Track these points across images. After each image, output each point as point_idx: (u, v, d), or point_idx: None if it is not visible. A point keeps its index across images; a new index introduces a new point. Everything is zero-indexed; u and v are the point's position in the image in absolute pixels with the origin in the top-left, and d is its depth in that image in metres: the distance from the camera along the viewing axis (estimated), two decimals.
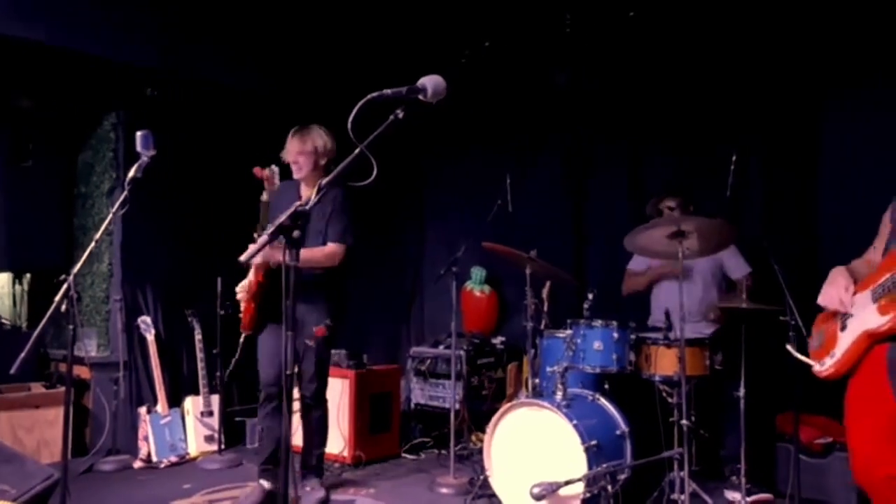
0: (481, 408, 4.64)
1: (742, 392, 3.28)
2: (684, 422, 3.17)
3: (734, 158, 3.51)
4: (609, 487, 3.04)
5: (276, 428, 3.39)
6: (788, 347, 2.77)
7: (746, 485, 3.28)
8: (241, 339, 4.06)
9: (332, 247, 3.39)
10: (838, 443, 3.41)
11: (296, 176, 3.47)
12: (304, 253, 2.98)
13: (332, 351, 4.44)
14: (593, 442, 3.05)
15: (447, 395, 4.60)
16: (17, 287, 5.10)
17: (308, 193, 3.38)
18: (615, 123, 4.79)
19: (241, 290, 3.35)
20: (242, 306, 3.42)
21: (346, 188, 3.40)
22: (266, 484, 3.43)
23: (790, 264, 3.35)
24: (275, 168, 3.22)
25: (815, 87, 4.01)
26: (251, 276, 3.28)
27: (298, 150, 3.41)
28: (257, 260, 3.13)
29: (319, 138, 3.43)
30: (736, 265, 3.87)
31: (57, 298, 2.56)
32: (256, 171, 3.19)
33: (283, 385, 1.78)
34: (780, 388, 3.32)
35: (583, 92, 4.84)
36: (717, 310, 3.76)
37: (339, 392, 4.26)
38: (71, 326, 2.63)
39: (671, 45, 4.39)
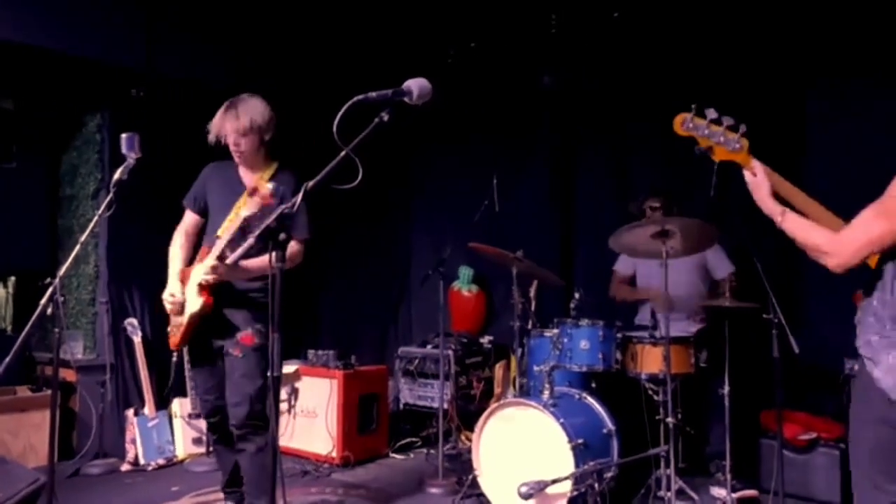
0: (470, 407, 4.67)
1: (727, 389, 3.32)
2: (670, 419, 3.20)
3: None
4: (596, 485, 3.07)
5: (226, 453, 3.07)
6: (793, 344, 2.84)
7: (732, 481, 3.32)
8: (174, 360, 4.11)
9: (292, 245, 2.84)
10: (822, 438, 3.47)
11: (239, 160, 2.97)
12: (255, 261, 2.76)
13: (320, 352, 4.49)
14: (580, 440, 3.07)
15: (435, 394, 4.62)
16: (2, 290, 5.06)
17: (252, 178, 2.93)
18: (601, 123, 4.83)
19: (173, 303, 2.87)
20: (174, 324, 2.93)
21: (298, 173, 2.95)
22: None
23: (773, 263, 3.39)
24: None
25: (798, 82, 4.07)
26: (198, 296, 2.78)
27: (235, 130, 2.87)
28: (207, 279, 2.73)
29: (258, 112, 2.91)
30: (720, 265, 3.92)
31: (43, 301, 2.54)
32: None
33: (272, 385, 1.78)
34: (764, 385, 3.36)
35: (569, 92, 4.87)
36: (700, 309, 3.80)
37: (327, 393, 4.27)
38: (57, 329, 2.62)
39: (655, 44, 4.43)
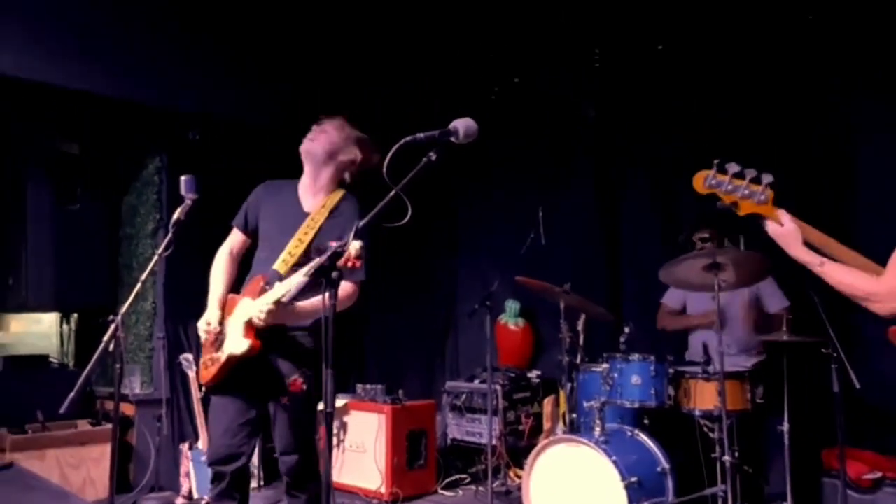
0: (518, 443, 4.61)
1: (786, 426, 3.22)
2: (727, 457, 3.11)
3: None
4: None
5: None
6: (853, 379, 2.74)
7: None
8: (200, 395, 3.90)
9: (345, 287, 2.51)
10: (888, 478, 3.31)
11: (303, 148, 2.74)
12: (308, 303, 2.50)
13: (368, 386, 4.51)
14: (634, 479, 3.01)
15: (483, 430, 4.58)
16: (65, 326, 5.26)
17: (312, 204, 2.72)
18: (645, 154, 4.81)
19: (208, 332, 2.70)
20: (208, 356, 2.71)
21: (360, 205, 2.72)
22: None
23: (828, 295, 3.29)
24: None
25: (849, 109, 3.98)
26: (244, 336, 2.56)
27: (322, 127, 2.74)
28: (259, 321, 2.49)
29: (350, 132, 2.76)
30: (773, 299, 3.81)
31: (105, 338, 2.63)
32: None
33: (326, 420, 1.81)
34: (826, 421, 3.24)
35: (612, 124, 4.88)
36: (757, 343, 3.70)
37: (375, 427, 4.28)
38: (118, 365, 2.70)
39: (698, 76, 4.42)
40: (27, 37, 3.82)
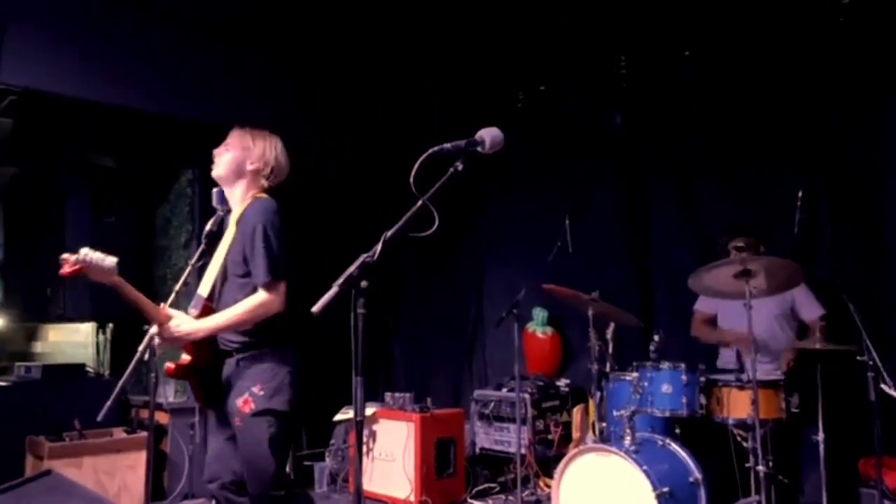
0: (547, 452, 4.59)
1: (821, 435, 3.16)
2: (761, 467, 3.06)
3: (800, 194, 3.44)
4: None
5: None
6: (884, 387, 2.66)
7: None
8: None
9: (257, 297, 2.46)
10: None
11: (213, 175, 2.70)
12: (215, 321, 2.46)
13: (397, 395, 4.53)
14: (665, 489, 2.97)
15: (512, 439, 4.56)
16: (101, 336, 5.38)
17: (234, 216, 2.66)
18: (673, 161, 4.77)
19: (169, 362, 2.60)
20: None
21: (270, 203, 2.61)
22: None
23: (863, 302, 3.24)
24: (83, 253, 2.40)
25: (877, 112, 3.91)
26: (183, 354, 2.56)
27: (226, 144, 2.69)
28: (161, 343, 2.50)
29: (260, 140, 2.70)
30: (808, 306, 3.73)
31: (140, 348, 2.68)
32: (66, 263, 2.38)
33: (356, 427, 1.82)
34: (862, 430, 3.17)
35: (640, 130, 4.85)
36: (789, 354, 3.62)
37: (404, 436, 4.29)
38: (152, 374, 2.75)
39: (729, 79, 4.37)
40: (64, 55, 3.95)
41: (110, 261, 2.41)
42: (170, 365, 2.55)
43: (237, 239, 2.58)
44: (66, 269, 2.36)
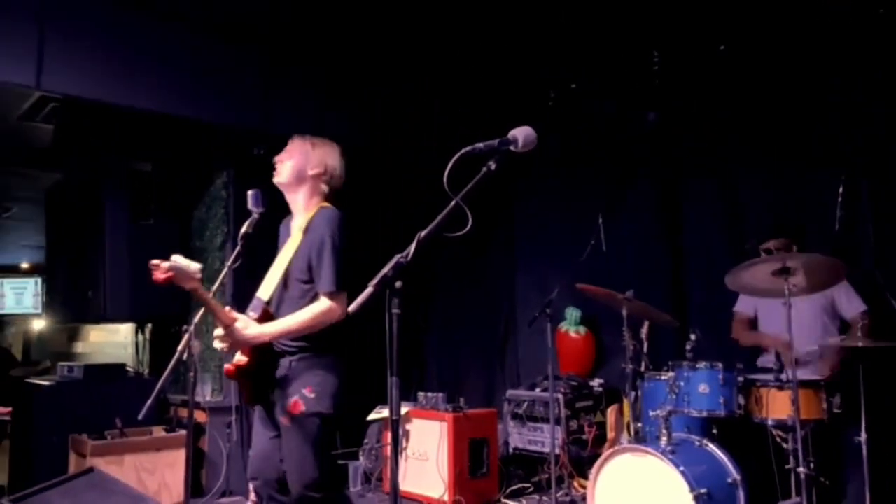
0: (582, 453, 4.56)
1: (864, 437, 3.07)
2: (801, 469, 3.00)
3: (841, 190, 3.36)
4: None
5: None
6: None
7: None
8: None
9: (322, 305, 2.55)
10: None
11: (275, 181, 2.81)
12: (281, 325, 2.54)
13: (430, 394, 4.54)
14: (703, 490, 2.93)
15: (546, 439, 4.54)
16: (140, 336, 5.49)
17: (297, 225, 2.75)
18: (708, 157, 4.69)
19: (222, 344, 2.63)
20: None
21: (339, 213, 2.71)
22: None
23: None
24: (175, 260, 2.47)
25: None
26: (239, 355, 2.64)
27: (288, 150, 2.80)
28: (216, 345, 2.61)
29: (322, 149, 2.81)
30: (849, 304, 3.63)
31: (180, 348, 2.73)
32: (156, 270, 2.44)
33: (391, 427, 1.83)
34: None
35: (674, 127, 4.78)
36: (833, 356, 3.53)
37: (437, 435, 4.30)
38: (191, 374, 2.80)
39: (764, 76, 4.29)
40: (103, 62, 4.04)
41: (195, 267, 2.49)
42: (228, 367, 2.64)
43: (303, 246, 2.66)
44: (159, 276, 2.43)
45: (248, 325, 2.57)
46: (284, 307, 2.65)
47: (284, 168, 2.77)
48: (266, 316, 2.63)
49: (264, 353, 2.62)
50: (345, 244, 2.63)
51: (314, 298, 2.59)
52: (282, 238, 2.88)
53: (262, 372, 2.63)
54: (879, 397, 3.15)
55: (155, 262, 2.42)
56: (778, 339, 3.50)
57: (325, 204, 2.77)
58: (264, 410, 2.68)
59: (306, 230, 2.68)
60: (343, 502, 2.75)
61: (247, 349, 2.59)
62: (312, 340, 2.58)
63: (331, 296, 2.55)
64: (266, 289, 2.72)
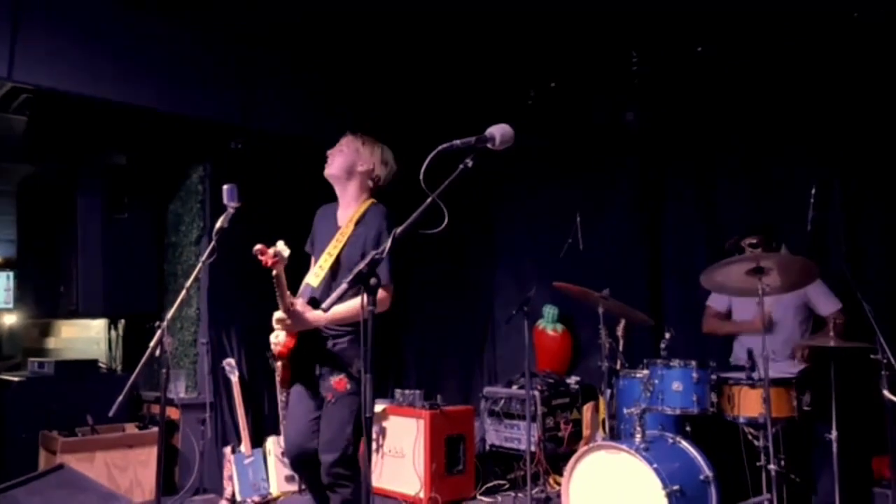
0: (557, 450, 4.58)
1: (834, 434, 3.13)
2: (772, 466, 3.04)
3: (813, 191, 3.41)
4: None
5: (318, 485, 2.82)
6: (885, 393, 2.64)
7: None
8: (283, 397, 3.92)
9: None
10: None
11: (325, 172, 2.98)
12: (342, 309, 2.64)
13: (407, 391, 4.54)
14: (675, 487, 2.96)
15: (522, 436, 4.56)
16: (113, 332, 5.42)
17: (345, 216, 2.92)
18: (686, 158, 4.74)
19: (274, 345, 2.86)
20: (279, 363, 2.91)
21: (389, 211, 2.90)
22: None
23: (879, 299, 3.21)
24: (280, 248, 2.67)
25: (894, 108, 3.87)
26: (284, 338, 2.81)
27: (340, 146, 2.97)
28: (279, 327, 2.78)
29: (371, 147, 2.97)
30: (824, 301, 3.70)
31: (152, 344, 2.71)
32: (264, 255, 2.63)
33: (365, 424, 1.83)
34: (876, 429, 3.14)
35: (652, 128, 4.82)
36: (804, 349, 3.61)
37: (413, 433, 4.30)
38: (164, 370, 2.77)
39: (741, 77, 4.34)
40: (76, 53, 3.96)
41: (287, 253, 2.65)
42: (281, 349, 2.78)
43: (356, 237, 2.83)
44: (269, 261, 2.58)
45: (307, 310, 2.71)
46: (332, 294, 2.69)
47: (336, 161, 2.94)
48: (313, 302, 2.69)
49: (311, 336, 2.78)
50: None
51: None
52: (321, 225, 3.02)
53: (308, 354, 2.79)
54: (849, 395, 3.20)
55: (260, 246, 2.59)
56: (753, 323, 3.55)
57: (373, 200, 2.94)
58: (305, 390, 2.83)
59: (358, 222, 2.85)
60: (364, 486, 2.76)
61: (294, 333, 2.76)
62: (358, 325, 2.60)
63: (385, 287, 2.69)
64: (315, 276, 2.85)
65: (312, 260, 3.03)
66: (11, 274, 8.14)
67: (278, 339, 2.80)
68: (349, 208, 2.94)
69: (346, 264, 2.78)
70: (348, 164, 2.93)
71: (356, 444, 2.72)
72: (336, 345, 2.79)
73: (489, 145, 1.97)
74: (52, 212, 5.01)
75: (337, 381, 2.74)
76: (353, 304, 2.65)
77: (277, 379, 2.95)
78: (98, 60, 4.03)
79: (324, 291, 2.77)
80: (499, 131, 1.97)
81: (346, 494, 2.68)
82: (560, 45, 4.75)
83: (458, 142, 1.97)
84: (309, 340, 2.79)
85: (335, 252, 2.81)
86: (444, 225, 1.93)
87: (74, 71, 3.95)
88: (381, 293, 2.62)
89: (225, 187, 2.85)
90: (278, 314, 2.73)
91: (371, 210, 2.89)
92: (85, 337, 5.91)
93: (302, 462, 2.81)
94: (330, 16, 4.44)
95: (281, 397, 4.50)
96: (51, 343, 6.52)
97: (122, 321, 5.33)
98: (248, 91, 4.70)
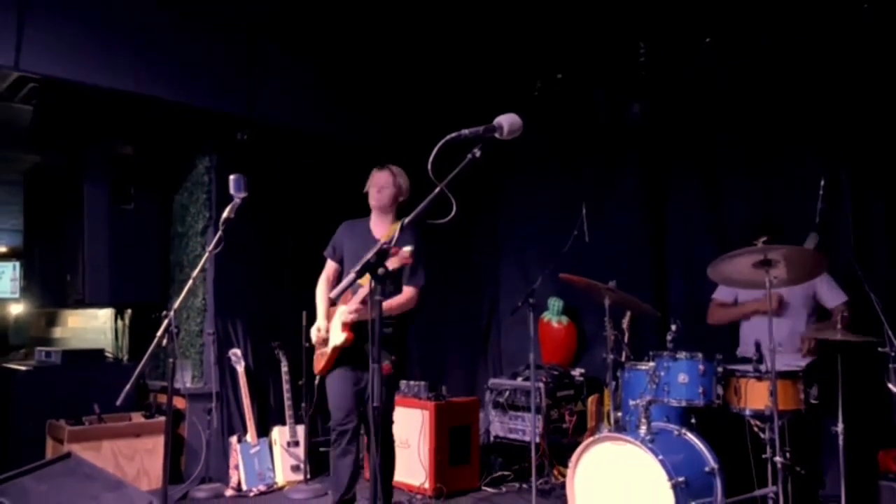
0: (562, 441, 4.58)
1: (840, 427, 3.12)
2: (778, 458, 3.03)
3: (822, 184, 3.39)
4: None
5: (350, 464, 3.46)
6: (891, 386, 2.63)
7: None
8: (317, 382, 4.09)
9: (408, 291, 3.48)
10: None
11: (374, 203, 3.56)
12: (385, 304, 3.00)
13: (412, 383, 4.57)
14: (681, 478, 2.96)
15: (527, 427, 4.57)
16: (119, 322, 5.44)
17: (380, 230, 3.49)
18: (692, 150, 4.71)
19: (319, 336, 3.48)
20: (319, 352, 3.53)
21: (421, 228, 3.37)
22: None
23: (887, 292, 3.19)
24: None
25: None
26: (341, 331, 3.36)
27: (385, 182, 3.55)
28: (349, 318, 3.32)
29: (403, 178, 3.59)
30: (830, 294, 3.69)
31: (159, 333, 2.71)
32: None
33: (370, 418, 1.84)
34: (882, 422, 3.14)
35: (658, 120, 4.79)
36: (810, 341, 3.60)
37: (419, 423, 4.31)
38: (171, 360, 2.78)
39: (749, 69, 4.31)
40: (83, 43, 3.96)
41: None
42: (342, 342, 3.38)
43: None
44: (396, 264, 2.84)
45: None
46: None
47: (384, 196, 3.53)
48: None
49: (362, 326, 3.35)
50: None
51: (398, 289, 3.43)
52: (355, 240, 3.51)
53: (359, 342, 3.37)
54: (856, 388, 3.19)
55: (393, 247, 2.88)
56: (761, 303, 3.52)
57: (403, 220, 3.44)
58: (348, 372, 3.44)
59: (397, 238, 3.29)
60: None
61: (348, 326, 3.37)
62: (397, 318, 3.44)
63: (420, 289, 3.46)
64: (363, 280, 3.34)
65: (334, 267, 3.63)
66: (18, 264, 8.18)
67: (321, 331, 3.44)
68: (385, 225, 3.52)
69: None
70: (395, 197, 3.53)
71: (391, 415, 3.50)
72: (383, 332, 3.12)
73: (497, 135, 1.96)
74: (59, 201, 5.03)
75: (383, 366, 3.18)
76: (399, 300, 3.39)
77: (319, 365, 3.51)
78: (105, 50, 4.03)
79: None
80: (507, 121, 1.96)
81: (388, 446, 3.48)
82: (567, 36, 4.73)
83: (465, 131, 1.96)
84: (362, 331, 3.34)
85: None
86: (452, 214, 1.92)
87: (81, 60, 3.95)
88: (413, 292, 3.45)
89: (231, 178, 2.86)
90: (349, 307, 3.34)
91: (407, 228, 3.21)
92: (91, 327, 5.93)
93: (349, 432, 3.43)
94: (337, 7, 4.43)
95: (286, 384, 4.58)
96: (57, 333, 6.55)
97: (129, 311, 5.35)
98: (255, 82, 4.70)
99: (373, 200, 3.56)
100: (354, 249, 3.48)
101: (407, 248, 2.84)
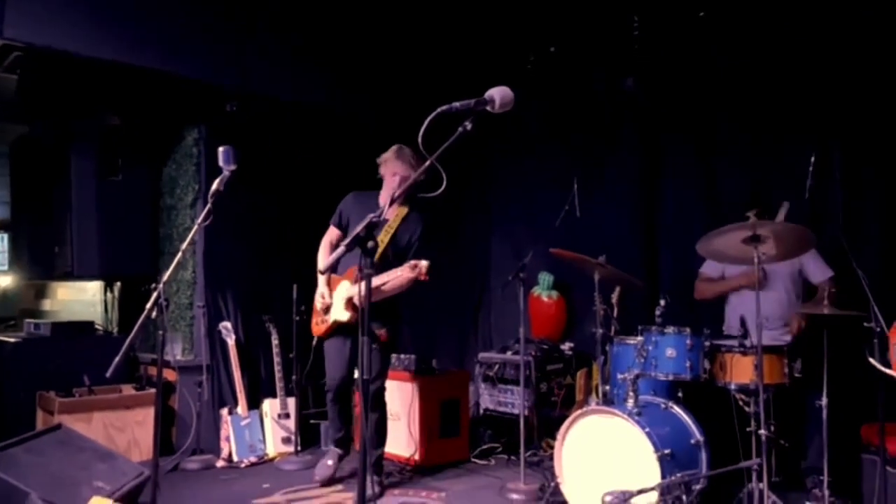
0: (551, 414, 4.64)
1: (824, 401, 3.17)
2: (762, 431, 3.08)
3: (813, 160, 3.39)
4: (684, 497, 2.99)
5: (345, 411, 3.97)
6: (872, 361, 2.66)
7: (830, 497, 3.17)
8: (314, 344, 4.18)
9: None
10: None
11: (386, 190, 3.72)
12: (389, 282, 3.49)
13: (402, 356, 4.59)
14: (667, 451, 3.01)
15: (516, 400, 4.61)
16: (108, 294, 5.42)
17: (390, 213, 3.64)
18: (686, 125, 4.70)
19: (323, 303, 3.77)
20: (319, 318, 3.80)
21: (428, 214, 3.72)
22: (339, 450, 4.01)
23: (873, 268, 3.22)
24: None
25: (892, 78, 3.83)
26: (345, 309, 3.65)
27: (405, 173, 3.66)
28: (358, 301, 3.47)
29: (420, 170, 3.68)
30: (816, 269, 3.73)
31: (148, 306, 2.70)
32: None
33: (362, 387, 1.85)
34: (865, 396, 3.18)
35: (652, 94, 4.77)
36: (799, 318, 3.62)
37: (409, 396, 4.34)
38: (160, 332, 2.77)
39: (743, 44, 4.29)
40: (70, 10, 3.88)
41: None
42: (345, 320, 3.71)
43: (402, 231, 3.75)
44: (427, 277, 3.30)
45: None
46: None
47: (401, 182, 3.61)
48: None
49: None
50: None
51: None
52: (361, 211, 3.57)
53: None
54: (841, 362, 3.23)
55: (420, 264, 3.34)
56: (747, 277, 3.55)
57: (411, 205, 3.81)
58: (344, 338, 3.79)
59: (403, 220, 3.73)
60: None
61: (352, 305, 3.66)
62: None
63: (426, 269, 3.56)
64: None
65: (337, 234, 3.82)
66: (6, 236, 8.10)
67: (325, 299, 3.77)
68: (396, 208, 3.69)
69: (390, 251, 3.65)
70: (405, 179, 3.58)
71: (384, 379, 3.87)
72: (381, 305, 3.59)
73: (488, 108, 1.96)
74: (46, 172, 4.96)
75: (381, 334, 3.67)
76: (401, 280, 3.52)
77: (319, 330, 3.84)
78: (92, 19, 3.95)
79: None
80: (498, 94, 1.95)
81: (382, 412, 3.85)
82: (560, 9, 4.68)
83: (457, 104, 1.95)
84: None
85: (385, 241, 3.61)
86: (442, 188, 1.92)
87: (67, 29, 3.87)
88: (410, 273, 3.49)
89: (221, 150, 2.82)
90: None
91: (413, 212, 3.76)
92: (81, 299, 5.91)
93: (341, 391, 3.84)
94: None
95: (277, 357, 4.63)
96: (46, 305, 6.52)
97: (118, 284, 5.33)
98: (245, 52, 4.62)
99: (386, 181, 3.72)
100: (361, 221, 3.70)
101: (423, 263, 3.24)
